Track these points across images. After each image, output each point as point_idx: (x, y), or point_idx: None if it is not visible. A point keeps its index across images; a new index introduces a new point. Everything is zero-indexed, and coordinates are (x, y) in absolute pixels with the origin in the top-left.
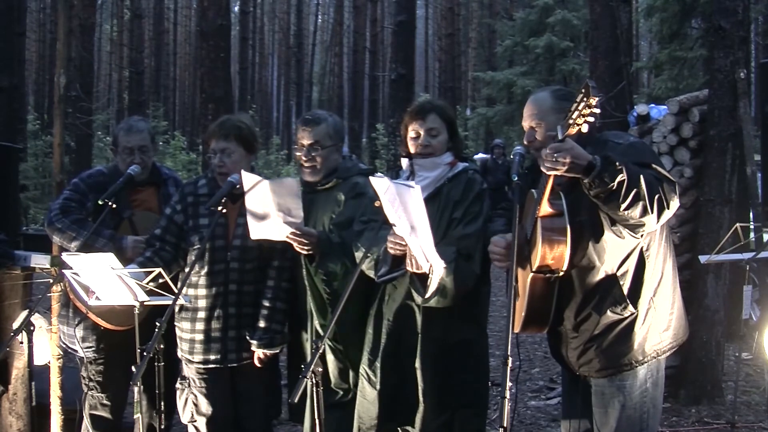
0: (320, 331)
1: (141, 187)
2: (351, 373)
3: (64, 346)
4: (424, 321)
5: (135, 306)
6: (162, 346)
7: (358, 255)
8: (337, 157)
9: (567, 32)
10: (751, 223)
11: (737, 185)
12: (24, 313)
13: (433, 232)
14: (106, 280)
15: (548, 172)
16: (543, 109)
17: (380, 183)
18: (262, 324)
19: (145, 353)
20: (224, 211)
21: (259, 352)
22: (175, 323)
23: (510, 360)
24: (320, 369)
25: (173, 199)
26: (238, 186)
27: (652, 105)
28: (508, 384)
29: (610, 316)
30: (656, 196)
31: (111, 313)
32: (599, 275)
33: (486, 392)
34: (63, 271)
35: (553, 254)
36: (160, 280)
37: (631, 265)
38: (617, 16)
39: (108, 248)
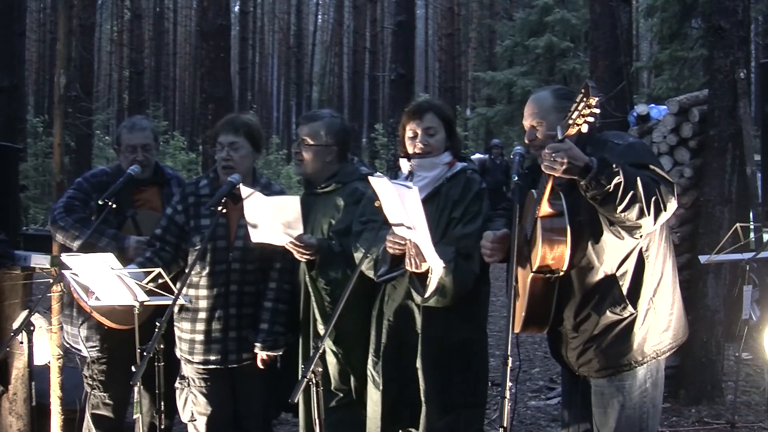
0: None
1: (144, 187)
2: (351, 377)
3: (67, 345)
4: (424, 321)
5: (135, 306)
6: (162, 346)
7: (358, 255)
8: (332, 158)
9: (567, 32)
10: (751, 223)
11: (737, 185)
12: (24, 313)
13: (432, 231)
14: (105, 280)
15: (546, 172)
16: (544, 108)
17: (379, 183)
18: (264, 326)
19: (145, 353)
20: (224, 210)
21: (262, 354)
22: (175, 323)
23: (510, 360)
24: (320, 369)
25: (174, 199)
26: (238, 186)
27: (652, 105)
28: (508, 384)
29: (609, 316)
30: (653, 199)
31: (115, 312)
32: (599, 275)
33: (486, 391)
34: (63, 271)
35: (554, 254)
36: (160, 281)
37: (630, 265)
38: (617, 16)
39: (111, 247)
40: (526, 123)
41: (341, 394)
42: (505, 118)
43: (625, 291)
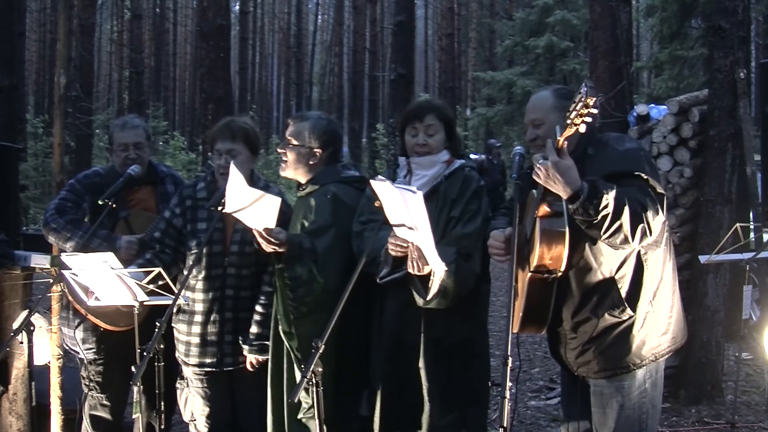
0: (283, 337)
1: (138, 186)
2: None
3: (65, 347)
4: (425, 321)
5: (134, 306)
6: (162, 346)
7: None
8: (315, 162)
9: (567, 32)
10: (751, 223)
11: (737, 185)
12: (24, 313)
13: (432, 230)
14: (105, 280)
15: (534, 171)
16: (545, 107)
17: (381, 186)
18: (254, 330)
19: (145, 353)
20: (224, 211)
21: (251, 358)
22: (173, 325)
23: (510, 360)
24: (320, 369)
25: (172, 202)
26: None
27: (652, 105)
28: (508, 384)
29: (608, 319)
30: (640, 226)
31: (109, 314)
32: (597, 277)
33: (488, 390)
34: (62, 271)
35: (551, 254)
36: (160, 282)
37: (629, 268)
38: (617, 16)
39: (103, 248)
40: (527, 123)
41: (306, 406)
42: (505, 118)
43: (624, 294)
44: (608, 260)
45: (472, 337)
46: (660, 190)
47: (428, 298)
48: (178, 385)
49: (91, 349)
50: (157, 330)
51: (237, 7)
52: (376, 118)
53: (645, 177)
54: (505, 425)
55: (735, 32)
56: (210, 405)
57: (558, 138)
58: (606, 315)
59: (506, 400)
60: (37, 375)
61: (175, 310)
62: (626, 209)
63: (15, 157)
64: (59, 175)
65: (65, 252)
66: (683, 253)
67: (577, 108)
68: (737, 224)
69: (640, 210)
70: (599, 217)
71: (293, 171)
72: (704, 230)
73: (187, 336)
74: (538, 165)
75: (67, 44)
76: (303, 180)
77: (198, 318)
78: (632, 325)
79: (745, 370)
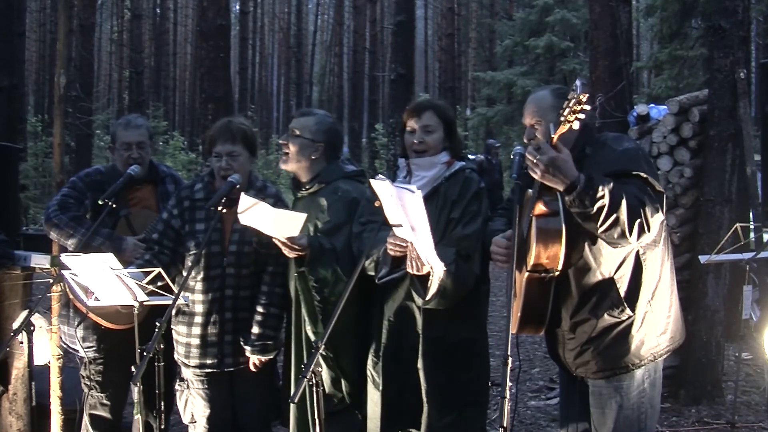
0: (312, 336)
1: (139, 185)
2: (343, 382)
3: (64, 346)
4: (424, 321)
5: (134, 306)
6: (162, 346)
7: (369, 264)
8: (317, 157)
9: (567, 32)
10: (751, 223)
11: (737, 185)
12: (24, 313)
13: (432, 231)
14: (105, 280)
15: (528, 167)
16: (543, 107)
17: (381, 186)
18: (255, 330)
19: (145, 353)
20: (224, 211)
21: (253, 358)
22: (172, 326)
23: (510, 360)
24: (320, 369)
25: (170, 203)
26: (237, 186)
27: (652, 105)
28: (508, 384)
29: (607, 319)
30: (637, 221)
31: (110, 313)
32: (596, 277)
33: (487, 390)
34: (62, 271)
35: (548, 253)
36: (159, 283)
37: (627, 268)
38: (617, 16)
39: (105, 247)
40: (526, 122)
41: (335, 400)
42: (505, 118)
43: (622, 294)
44: (607, 260)
45: (472, 338)
46: (659, 188)
47: (427, 298)
48: (177, 387)
49: (91, 347)
50: (157, 330)
51: (237, 7)
52: (376, 118)
53: (644, 176)
54: (505, 425)
55: (735, 32)
56: (211, 406)
57: (552, 136)
58: (605, 315)
59: (506, 400)
60: (37, 375)
61: (174, 311)
62: (623, 202)
63: (15, 157)
64: (59, 175)
65: (66, 249)
66: (683, 253)
67: (571, 105)
68: (737, 224)
69: (638, 205)
70: (595, 208)
71: (295, 164)
72: (704, 230)
73: (186, 338)
74: (533, 161)
75: (67, 44)
76: (303, 175)
77: (198, 319)
78: (631, 325)
79: (745, 370)
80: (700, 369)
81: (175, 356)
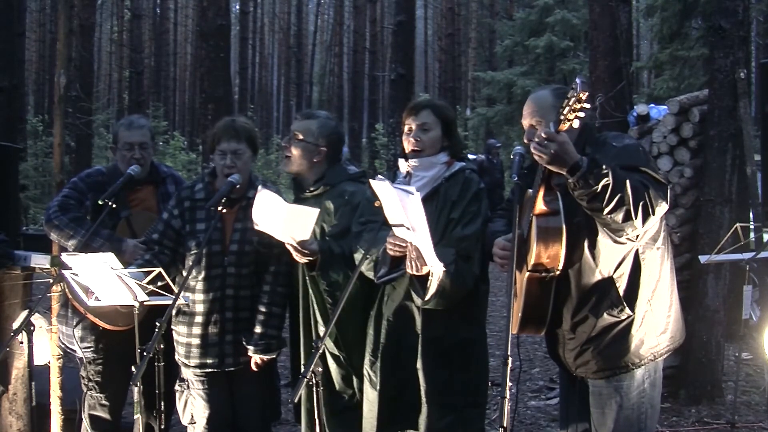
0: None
1: (139, 186)
2: (355, 379)
3: (63, 346)
4: (423, 321)
5: (134, 306)
6: (162, 347)
7: (358, 256)
8: (320, 159)
9: (567, 32)
10: (751, 223)
11: (737, 185)
12: (24, 313)
13: (431, 231)
14: (105, 280)
15: (534, 156)
16: (543, 106)
17: (380, 186)
18: (258, 329)
19: (145, 353)
20: (224, 211)
21: (256, 358)
22: (172, 327)
23: (510, 360)
24: (320, 369)
25: (170, 204)
26: (238, 186)
27: (652, 105)
28: (508, 384)
29: (606, 318)
30: (641, 203)
31: (109, 313)
32: (596, 277)
33: (486, 391)
34: (62, 271)
35: (548, 253)
36: (159, 283)
37: (627, 267)
38: (617, 16)
39: (106, 248)
40: (526, 122)
41: (345, 397)
42: (505, 118)
43: (622, 293)
44: (606, 260)
45: (471, 338)
46: (662, 181)
47: (427, 298)
48: (177, 387)
49: (89, 347)
50: (157, 330)
51: (237, 7)
52: (376, 118)
53: (645, 170)
54: (505, 425)
55: (735, 32)
56: (210, 406)
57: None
58: (605, 314)
59: (506, 400)
60: (37, 375)
61: (174, 311)
62: (628, 182)
63: (15, 157)
64: (59, 175)
65: (66, 250)
66: (683, 253)
67: (571, 103)
68: (737, 224)
69: (642, 187)
70: (600, 186)
71: (297, 167)
72: (704, 230)
73: (187, 338)
74: (538, 148)
75: (67, 44)
76: (306, 177)
77: (198, 319)
78: (631, 324)
79: (745, 370)
80: (700, 369)
81: (176, 357)
